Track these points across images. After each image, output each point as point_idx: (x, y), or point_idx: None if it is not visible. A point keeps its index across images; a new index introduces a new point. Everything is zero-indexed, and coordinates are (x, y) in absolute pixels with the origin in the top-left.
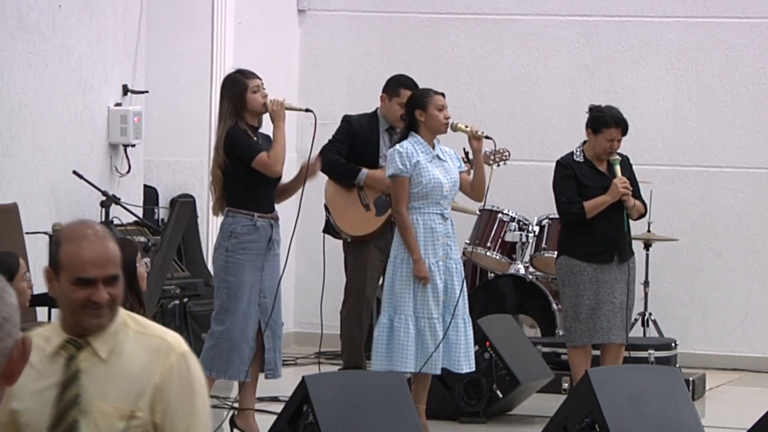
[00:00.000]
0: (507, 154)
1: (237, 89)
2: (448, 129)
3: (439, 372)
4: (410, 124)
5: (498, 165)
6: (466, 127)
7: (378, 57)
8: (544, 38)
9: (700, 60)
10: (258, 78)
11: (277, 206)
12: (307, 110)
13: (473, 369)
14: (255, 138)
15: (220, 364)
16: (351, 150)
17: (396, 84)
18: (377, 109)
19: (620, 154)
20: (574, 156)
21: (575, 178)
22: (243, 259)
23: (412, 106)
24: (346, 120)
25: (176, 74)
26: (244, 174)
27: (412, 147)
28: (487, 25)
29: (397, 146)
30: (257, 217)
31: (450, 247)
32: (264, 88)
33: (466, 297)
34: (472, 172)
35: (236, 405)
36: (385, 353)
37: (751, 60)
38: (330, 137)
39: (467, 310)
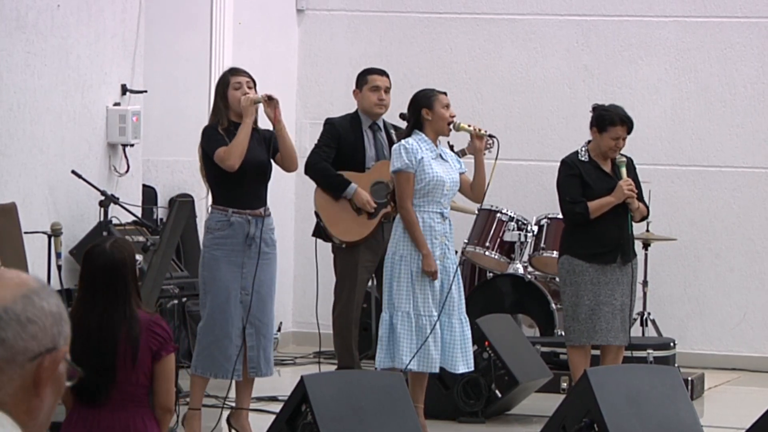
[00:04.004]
0: (491, 142)
1: (221, 86)
2: (451, 129)
3: (437, 371)
4: (416, 123)
5: (484, 154)
6: (469, 126)
7: (377, 57)
8: (542, 38)
9: (698, 59)
10: (244, 75)
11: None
12: (269, 98)
13: (471, 369)
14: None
15: (205, 361)
16: (337, 153)
17: (364, 73)
18: (357, 108)
19: (624, 156)
20: (579, 155)
21: (580, 178)
22: (218, 254)
23: (418, 105)
24: (329, 123)
25: (175, 74)
26: (218, 170)
27: (416, 144)
28: (486, 25)
29: (403, 141)
30: (232, 213)
31: (447, 247)
32: (250, 87)
33: (462, 297)
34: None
35: (232, 404)
36: (386, 350)
37: (750, 59)
38: (315, 142)
39: (464, 309)
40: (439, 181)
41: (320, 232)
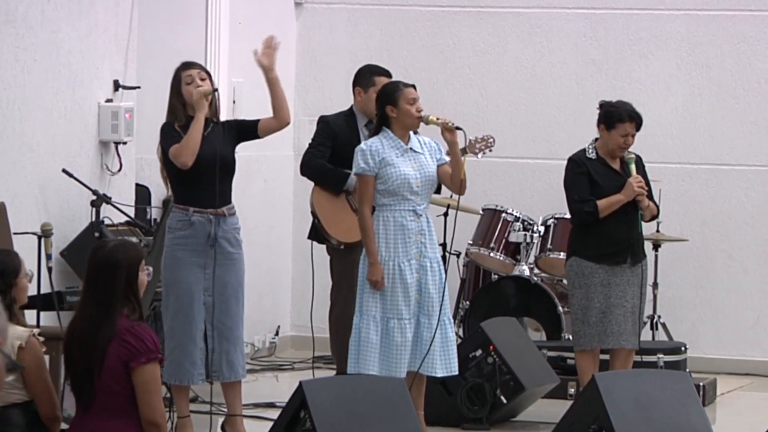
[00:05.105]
0: (492, 140)
1: (174, 83)
2: (421, 123)
3: (404, 375)
4: (381, 120)
5: (484, 153)
6: (438, 119)
7: (377, 51)
8: (549, 32)
9: (710, 54)
10: (195, 68)
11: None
12: (214, 90)
13: (454, 373)
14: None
15: (170, 366)
16: (332, 151)
17: (369, 73)
18: (352, 106)
19: (633, 153)
20: (587, 153)
21: (588, 176)
22: (180, 255)
23: (382, 102)
24: (324, 121)
25: (169, 69)
26: (177, 168)
27: (379, 143)
28: (490, 19)
29: (362, 144)
30: (193, 212)
31: (424, 245)
32: (203, 78)
33: (446, 297)
34: None
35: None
36: (354, 356)
37: (763, 54)
38: (309, 141)
39: (447, 310)
40: (404, 179)
41: (316, 234)
